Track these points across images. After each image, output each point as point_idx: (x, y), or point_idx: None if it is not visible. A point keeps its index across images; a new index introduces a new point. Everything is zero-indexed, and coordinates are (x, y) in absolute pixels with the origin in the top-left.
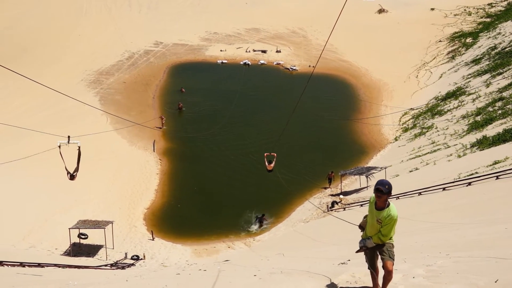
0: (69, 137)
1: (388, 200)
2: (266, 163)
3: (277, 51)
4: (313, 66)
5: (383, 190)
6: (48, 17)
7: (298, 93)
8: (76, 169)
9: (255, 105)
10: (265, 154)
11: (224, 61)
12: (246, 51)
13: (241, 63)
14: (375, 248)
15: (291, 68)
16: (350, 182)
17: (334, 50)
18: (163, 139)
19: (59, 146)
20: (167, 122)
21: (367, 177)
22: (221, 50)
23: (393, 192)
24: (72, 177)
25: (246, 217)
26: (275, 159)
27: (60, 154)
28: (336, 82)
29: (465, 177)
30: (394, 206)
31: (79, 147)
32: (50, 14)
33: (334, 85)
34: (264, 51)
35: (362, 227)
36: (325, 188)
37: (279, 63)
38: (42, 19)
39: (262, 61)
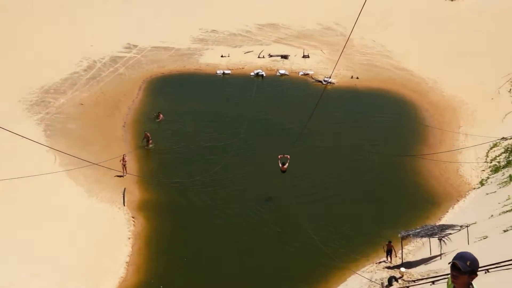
0: None
1: (472, 283)
2: (280, 165)
3: (304, 56)
4: (356, 77)
5: (461, 268)
6: None
7: (337, 120)
8: None
9: (271, 137)
10: (279, 156)
11: (226, 72)
12: (258, 57)
13: (252, 74)
14: None
15: (325, 81)
16: (415, 248)
17: (387, 54)
18: (138, 186)
19: None
20: (138, 162)
21: (440, 240)
22: (222, 56)
23: (481, 263)
24: None
25: None
26: (288, 161)
27: None
28: (390, 101)
29: None
30: None
31: None
32: None
33: (388, 104)
34: (285, 57)
35: None
36: (382, 261)
37: (307, 74)
38: None
39: (282, 71)
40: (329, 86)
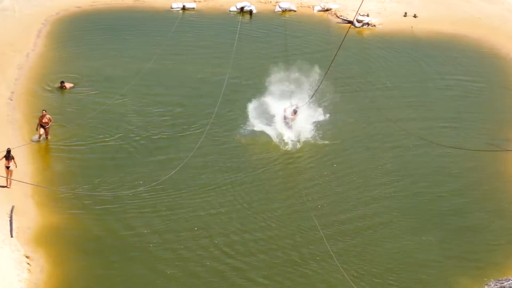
0: None
1: None
2: (286, 115)
3: None
4: (414, 16)
5: None
6: None
7: (381, 88)
8: None
9: (261, 118)
10: (284, 109)
11: (188, 5)
12: None
13: (233, 9)
14: None
15: (358, 21)
16: None
17: None
18: (35, 204)
19: None
20: (34, 163)
21: None
22: None
23: None
24: None
25: None
26: (298, 111)
27: None
28: (472, 55)
29: None
30: None
31: None
32: None
33: (466, 62)
34: None
35: None
36: None
37: (329, 9)
38: None
39: (284, 5)
40: (365, 30)
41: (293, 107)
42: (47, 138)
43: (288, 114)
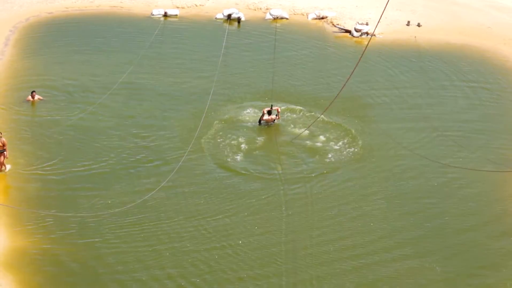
0: None
1: None
2: (265, 117)
3: None
4: (418, 25)
5: None
6: None
7: (384, 106)
8: None
9: (249, 137)
10: (264, 111)
11: (170, 12)
12: None
13: (219, 17)
14: None
15: (357, 31)
16: None
17: None
18: (4, 225)
19: None
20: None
21: None
22: None
23: None
24: None
25: None
26: (279, 114)
27: None
28: (482, 68)
29: None
30: None
31: None
32: None
33: (476, 74)
34: None
35: None
36: None
37: (324, 17)
38: None
39: (275, 12)
40: (364, 40)
41: (274, 109)
42: (3, 167)
43: (266, 116)
